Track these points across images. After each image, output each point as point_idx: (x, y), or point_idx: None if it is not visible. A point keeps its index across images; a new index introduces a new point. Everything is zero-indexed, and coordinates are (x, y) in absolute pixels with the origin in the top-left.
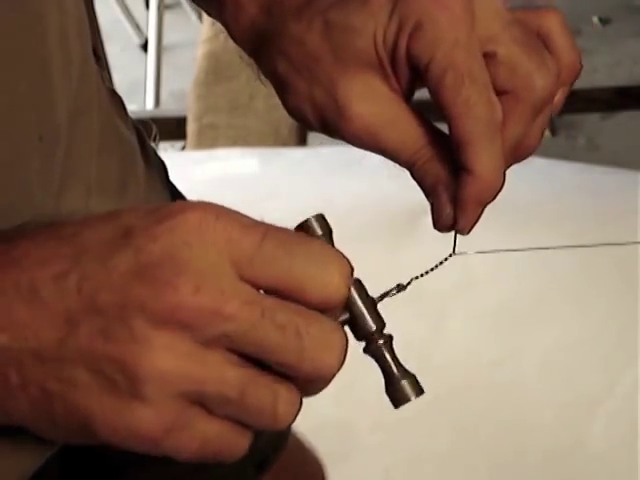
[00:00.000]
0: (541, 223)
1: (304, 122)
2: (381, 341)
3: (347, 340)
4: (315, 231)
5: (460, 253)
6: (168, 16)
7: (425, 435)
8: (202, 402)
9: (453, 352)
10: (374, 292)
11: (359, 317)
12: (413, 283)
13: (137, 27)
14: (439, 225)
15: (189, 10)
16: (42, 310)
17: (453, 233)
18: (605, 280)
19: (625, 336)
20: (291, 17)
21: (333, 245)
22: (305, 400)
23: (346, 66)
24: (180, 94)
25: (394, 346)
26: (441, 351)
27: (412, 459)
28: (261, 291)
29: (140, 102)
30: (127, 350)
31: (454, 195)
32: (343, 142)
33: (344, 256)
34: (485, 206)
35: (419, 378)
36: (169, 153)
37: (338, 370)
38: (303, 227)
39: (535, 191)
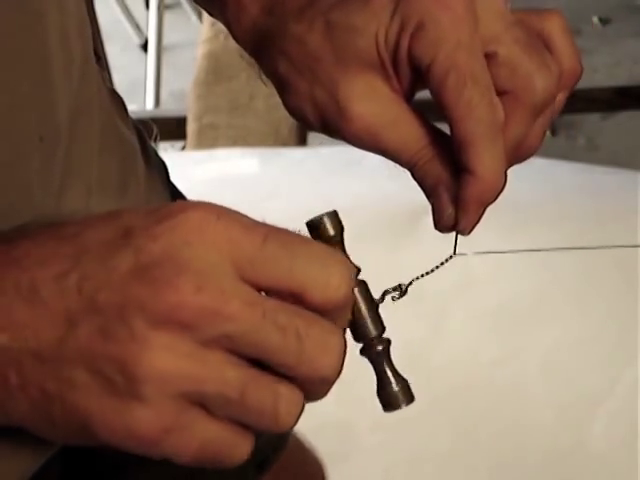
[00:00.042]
0: (541, 223)
1: (305, 122)
2: (380, 347)
3: (346, 344)
4: (327, 230)
5: (461, 254)
6: (168, 16)
7: (425, 435)
8: (203, 403)
9: (453, 352)
10: (374, 292)
11: (359, 320)
12: (413, 283)
13: (137, 27)
14: (440, 226)
15: (189, 10)
16: (42, 310)
17: (454, 233)
18: (605, 280)
19: (625, 336)
20: (292, 17)
21: (343, 244)
22: None
23: (347, 66)
24: (180, 94)
25: (392, 349)
26: (441, 351)
27: (412, 459)
28: (262, 293)
29: (140, 102)
30: (126, 350)
31: (455, 196)
32: (343, 142)
33: (346, 258)
34: (486, 207)
35: (419, 378)
36: (169, 153)
37: (337, 373)
38: (314, 224)
39: (535, 191)
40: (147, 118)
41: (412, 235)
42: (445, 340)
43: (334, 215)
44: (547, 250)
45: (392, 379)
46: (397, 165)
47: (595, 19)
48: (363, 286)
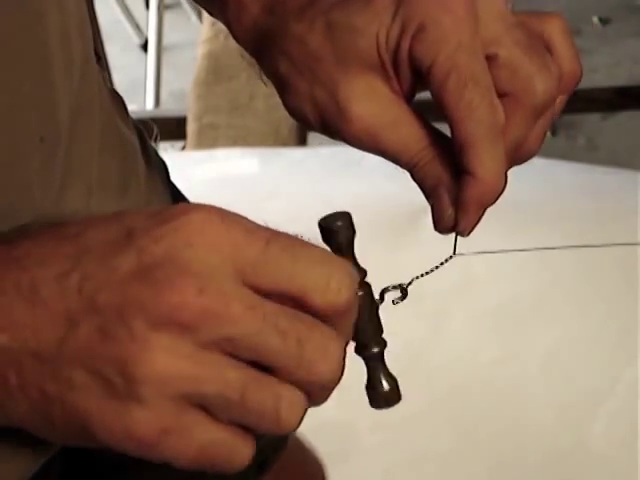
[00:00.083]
0: (541, 223)
1: (305, 122)
2: (376, 349)
3: (346, 350)
4: (340, 237)
5: (461, 254)
6: (168, 16)
7: (425, 435)
8: (204, 405)
9: (453, 352)
10: (374, 292)
11: (358, 323)
12: (413, 283)
13: (137, 27)
14: (440, 227)
15: (189, 10)
16: (42, 310)
17: (454, 234)
18: (605, 280)
19: (625, 336)
20: (293, 17)
21: (353, 248)
22: None
23: (348, 67)
24: (180, 94)
25: (392, 349)
26: (441, 351)
27: (412, 459)
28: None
29: (140, 102)
30: (126, 350)
31: (455, 197)
32: (343, 142)
33: (348, 263)
34: (486, 208)
35: (419, 378)
36: (169, 153)
37: (336, 379)
38: (328, 229)
39: (535, 191)
40: (147, 118)
41: (412, 235)
42: (445, 340)
43: (348, 220)
44: (547, 249)
45: (383, 380)
46: (397, 166)
47: (595, 19)
48: (367, 289)
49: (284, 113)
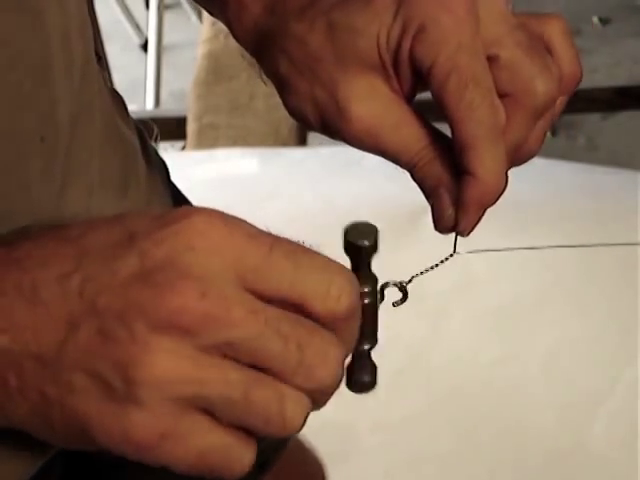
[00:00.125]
0: (541, 223)
1: (305, 122)
2: (367, 346)
3: (345, 357)
4: (365, 256)
5: (462, 252)
6: (168, 16)
7: (425, 436)
8: (206, 408)
9: (453, 352)
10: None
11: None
12: (413, 282)
13: (137, 27)
14: (440, 227)
15: (189, 10)
16: (43, 312)
17: (454, 233)
18: (606, 280)
19: (625, 336)
20: (294, 17)
21: (371, 260)
22: None
23: (348, 67)
24: (180, 94)
25: (392, 349)
26: (441, 351)
27: (412, 460)
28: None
29: (140, 102)
30: (125, 352)
31: (455, 197)
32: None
33: (349, 271)
34: (487, 208)
35: (419, 378)
36: (169, 153)
37: (336, 384)
38: (355, 247)
39: (535, 191)
40: (147, 118)
41: (412, 235)
42: (445, 340)
43: (374, 239)
44: (546, 248)
45: (367, 371)
46: (397, 166)
47: (595, 19)
48: (373, 298)
49: (284, 113)
